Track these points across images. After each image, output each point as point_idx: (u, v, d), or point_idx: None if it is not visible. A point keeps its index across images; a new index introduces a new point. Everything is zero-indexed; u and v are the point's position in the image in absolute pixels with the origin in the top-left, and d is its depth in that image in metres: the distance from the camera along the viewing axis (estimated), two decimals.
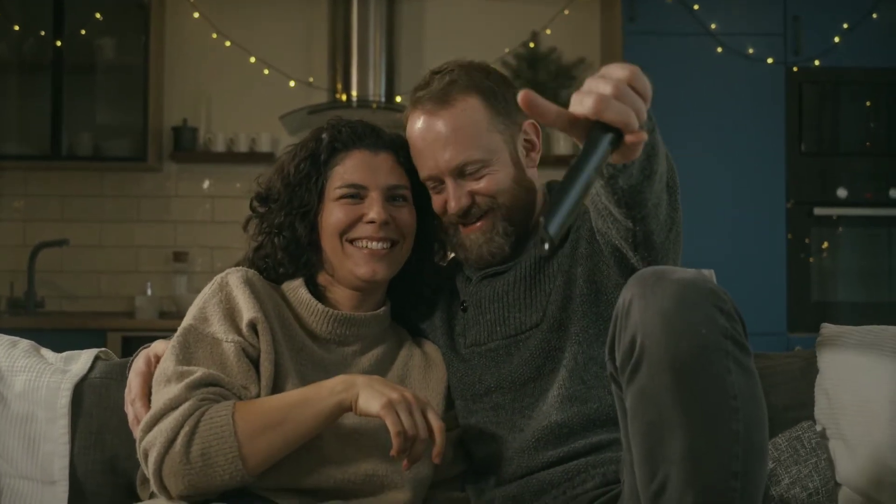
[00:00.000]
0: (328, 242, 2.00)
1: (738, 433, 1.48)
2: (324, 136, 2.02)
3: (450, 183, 1.99)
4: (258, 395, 1.81)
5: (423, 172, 2.02)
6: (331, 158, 2.01)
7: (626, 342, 1.54)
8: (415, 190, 2.07)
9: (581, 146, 1.29)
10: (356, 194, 1.98)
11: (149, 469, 1.72)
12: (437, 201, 2.04)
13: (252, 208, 2.07)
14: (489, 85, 2.02)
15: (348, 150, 2.01)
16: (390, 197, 2.00)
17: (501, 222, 2.00)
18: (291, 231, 2.00)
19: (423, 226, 2.09)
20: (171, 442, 1.69)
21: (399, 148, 2.05)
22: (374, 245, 1.97)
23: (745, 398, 1.50)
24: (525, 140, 2.06)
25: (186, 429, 1.69)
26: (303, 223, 2.00)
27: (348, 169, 1.99)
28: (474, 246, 2.02)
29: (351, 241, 1.98)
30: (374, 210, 1.96)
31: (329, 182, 2.00)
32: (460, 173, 1.98)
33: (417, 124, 2.02)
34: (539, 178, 2.10)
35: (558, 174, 1.83)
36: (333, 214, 1.98)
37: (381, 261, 1.98)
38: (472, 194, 1.99)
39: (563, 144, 5.41)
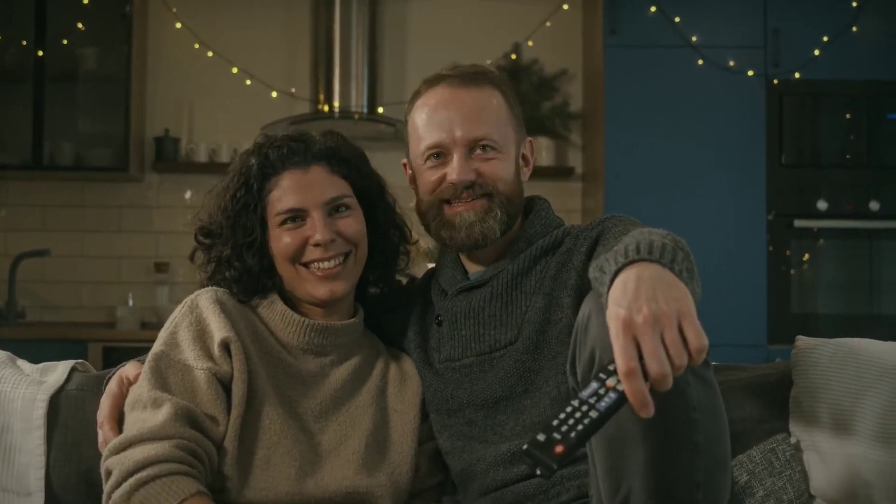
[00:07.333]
0: (282, 268, 1.99)
1: (698, 444, 1.49)
2: (252, 161, 1.99)
3: (458, 155, 1.98)
4: (226, 426, 1.82)
5: (430, 141, 2.01)
6: (264, 184, 1.98)
7: (586, 357, 1.55)
8: (360, 190, 2.05)
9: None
10: (296, 217, 1.96)
11: (104, 489, 1.74)
12: (430, 175, 2.02)
13: (197, 241, 2.05)
14: (511, 93, 2.08)
15: (278, 173, 1.98)
16: (332, 210, 1.98)
17: (499, 208, 1.99)
18: (241, 262, 1.98)
19: (376, 223, 2.08)
20: (128, 474, 1.70)
21: (331, 156, 2.02)
22: (326, 265, 1.96)
23: (704, 410, 1.51)
24: (523, 152, 2.09)
25: (143, 474, 1.69)
26: (250, 252, 1.97)
27: (283, 192, 1.97)
28: (464, 224, 1.99)
29: (304, 265, 1.97)
30: (318, 232, 1.94)
31: (268, 209, 1.98)
32: (472, 148, 1.99)
33: (440, 94, 2.02)
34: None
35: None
36: (280, 241, 1.96)
37: (335, 279, 1.97)
38: (477, 173, 1.99)
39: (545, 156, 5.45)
